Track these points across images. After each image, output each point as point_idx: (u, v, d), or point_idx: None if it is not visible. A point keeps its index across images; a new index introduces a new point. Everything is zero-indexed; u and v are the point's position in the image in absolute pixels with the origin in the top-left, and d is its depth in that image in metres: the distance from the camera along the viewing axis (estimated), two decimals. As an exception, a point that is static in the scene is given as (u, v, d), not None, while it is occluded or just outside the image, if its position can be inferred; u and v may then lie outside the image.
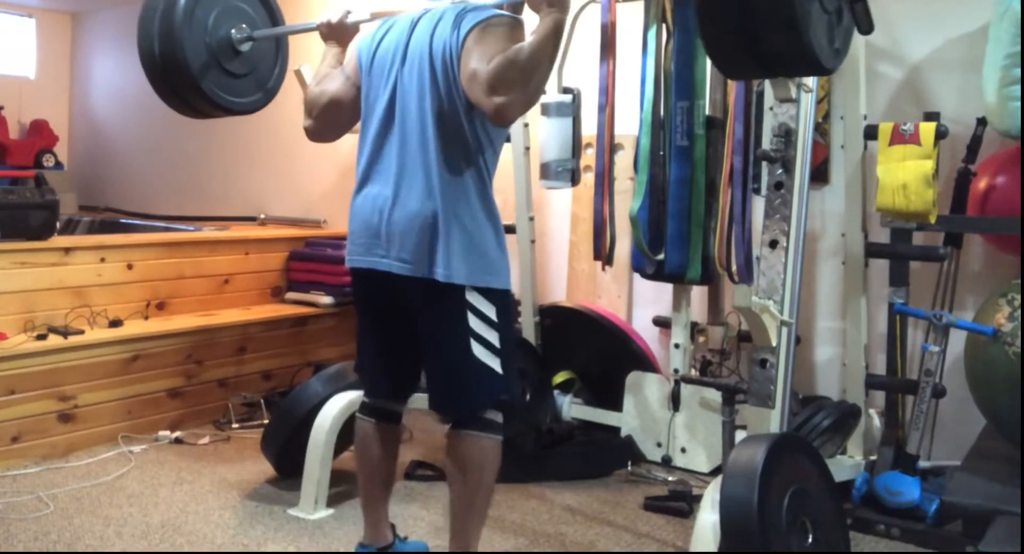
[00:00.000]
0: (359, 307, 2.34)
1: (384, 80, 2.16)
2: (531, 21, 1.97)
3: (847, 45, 1.77)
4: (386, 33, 2.22)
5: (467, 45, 2.00)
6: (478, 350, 2.10)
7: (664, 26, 3.07)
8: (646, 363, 3.49)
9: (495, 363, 2.11)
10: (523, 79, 1.89)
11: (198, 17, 2.48)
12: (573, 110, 3.21)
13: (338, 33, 2.38)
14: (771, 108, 2.44)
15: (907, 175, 2.69)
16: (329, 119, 2.28)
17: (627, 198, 3.20)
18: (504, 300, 2.16)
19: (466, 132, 2.07)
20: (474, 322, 2.09)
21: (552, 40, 1.91)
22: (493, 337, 2.11)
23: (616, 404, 3.45)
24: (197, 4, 2.47)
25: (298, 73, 4.25)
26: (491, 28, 2.02)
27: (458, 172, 2.07)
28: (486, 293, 2.11)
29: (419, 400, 2.45)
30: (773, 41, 1.60)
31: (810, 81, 2.42)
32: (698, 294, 3.55)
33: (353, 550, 2.42)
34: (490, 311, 2.11)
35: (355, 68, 2.26)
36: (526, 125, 3.52)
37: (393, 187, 2.11)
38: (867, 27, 1.87)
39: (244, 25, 2.60)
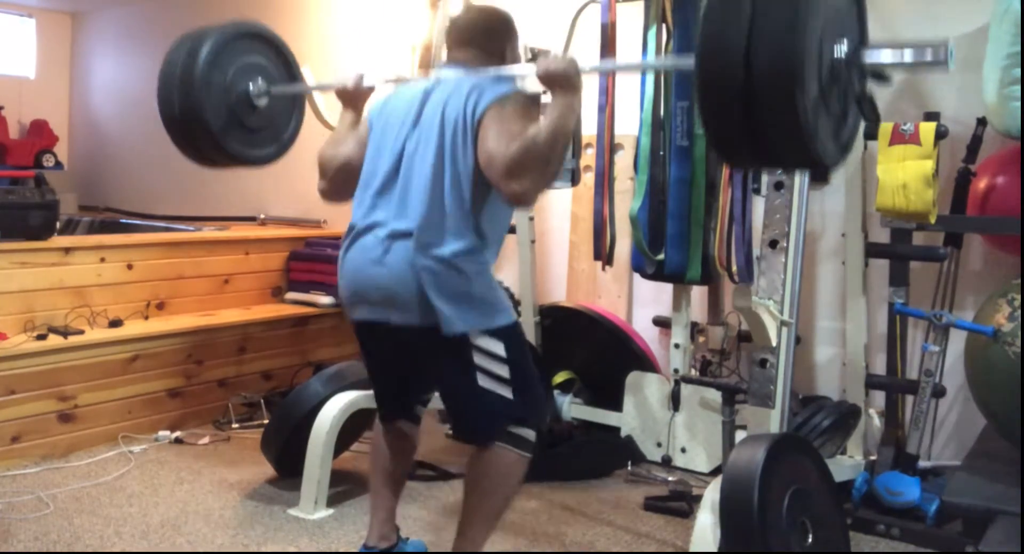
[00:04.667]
0: (362, 349, 2.35)
1: (391, 139, 2.16)
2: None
3: (852, 140, 1.78)
4: (398, 96, 2.24)
5: (485, 122, 2.00)
6: (484, 381, 2.10)
7: (664, 26, 3.07)
8: (646, 363, 3.49)
9: (504, 391, 2.11)
10: (540, 165, 1.92)
11: (217, 74, 2.51)
12: (573, 110, 3.21)
13: (353, 97, 2.40)
14: (771, 108, 2.44)
15: (907, 175, 2.69)
16: (341, 181, 2.29)
17: (627, 198, 3.20)
18: (511, 333, 2.13)
19: (468, 200, 2.05)
20: (480, 359, 2.09)
21: (566, 122, 1.95)
22: (501, 369, 2.10)
23: (616, 404, 3.45)
24: (216, 61, 2.50)
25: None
26: (508, 105, 2.02)
27: (459, 235, 2.04)
28: (491, 333, 2.10)
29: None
30: (777, 144, 1.60)
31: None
32: (698, 294, 3.55)
33: (358, 551, 2.42)
34: (497, 348, 2.10)
35: (366, 131, 2.27)
36: (526, 125, 3.51)
37: (389, 243, 2.08)
38: (874, 119, 1.89)
39: (261, 79, 2.63)
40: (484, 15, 2.30)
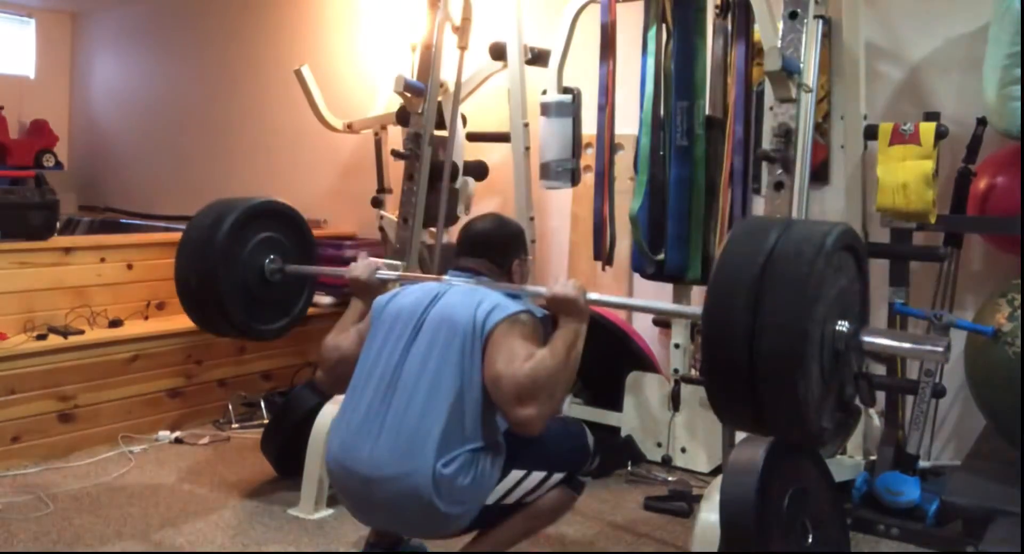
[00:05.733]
0: None
1: (392, 335, 2.11)
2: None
3: (851, 420, 1.82)
4: (406, 294, 2.20)
5: (495, 338, 1.98)
6: (534, 495, 2.09)
7: (664, 26, 3.07)
8: (646, 363, 3.49)
9: (552, 480, 2.11)
10: (547, 393, 1.92)
11: (236, 249, 2.58)
12: (573, 110, 3.21)
13: (364, 288, 2.41)
14: (771, 108, 2.45)
15: (907, 175, 2.69)
16: (339, 374, 2.28)
17: (627, 198, 3.20)
18: (510, 462, 2.06)
19: (473, 415, 1.99)
20: (512, 497, 2.07)
21: (573, 350, 1.97)
22: (533, 480, 2.08)
23: (616, 404, 3.45)
24: (237, 237, 2.55)
25: (298, 73, 4.26)
26: (518, 326, 2.01)
27: (459, 443, 1.97)
28: (503, 475, 2.06)
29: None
30: (778, 424, 1.66)
31: (810, 81, 2.42)
32: (698, 294, 3.54)
33: (361, 551, 2.42)
34: (514, 479, 2.06)
35: (367, 326, 2.25)
36: (526, 125, 3.52)
37: (379, 468, 1.99)
38: (870, 401, 1.97)
39: (277, 257, 2.66)
40: (497, 226, 2.30)
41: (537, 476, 2.09)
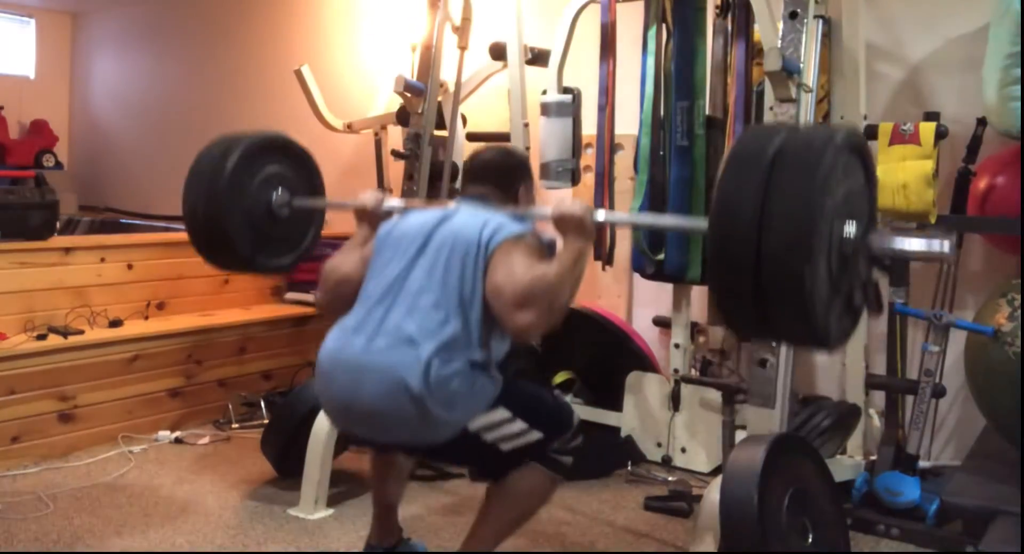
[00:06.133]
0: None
1: (397, 253, 2.14)
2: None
3: (856, 323, 1.79)
4: (410, 220, 2.22)
5: (497, 256, 2.00)
6: (508, 445, 2.08)
7: (664, 26, 3.07)
8: (646, 363, 3.49)
9: (531, 436, 2.09)
10: (547, 302, 1.92)
11: (242, 186, 2.54)
12: (573, 110, 3.21)
13: (370, 216, 2.41)
14: (771, 108, 2.45)
15: (907, 175, 2.69)
16: (338, 294, 2.28)
17: (627, 198, 3.20)
18: (504, 395, 2.08)
19: (472, 329, 2.01)
20: (490, 435, 2.06)
21: (575, 267, 1.97)
22: (515, 425, 2.08)
23: (616, 404, 3.45)
24: (243, 169, 2.53)
25: (298, 73, 4.26)
26: (521, 244, 2.03)
27: (451, 356, 1.98)
28: (491, 406, 2.06)
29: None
30: (785, 324, 1.63)
31: (810, 81, 2.42)
32: (698, 294, 3.55)
33: (360, 551, 2.42)
34: (499, 414, 2.06)
35: (371, 251, 2.26)
36: (526, 125, 3.52)
37: (371, 354, 2.01)
38: (876, 309, 1.93)
39: (284, 190, 2.65)
40: (502, 154, 2.34)
41: (520, 425, 2.08)
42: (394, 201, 2.44)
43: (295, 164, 2.74)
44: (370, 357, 2.01)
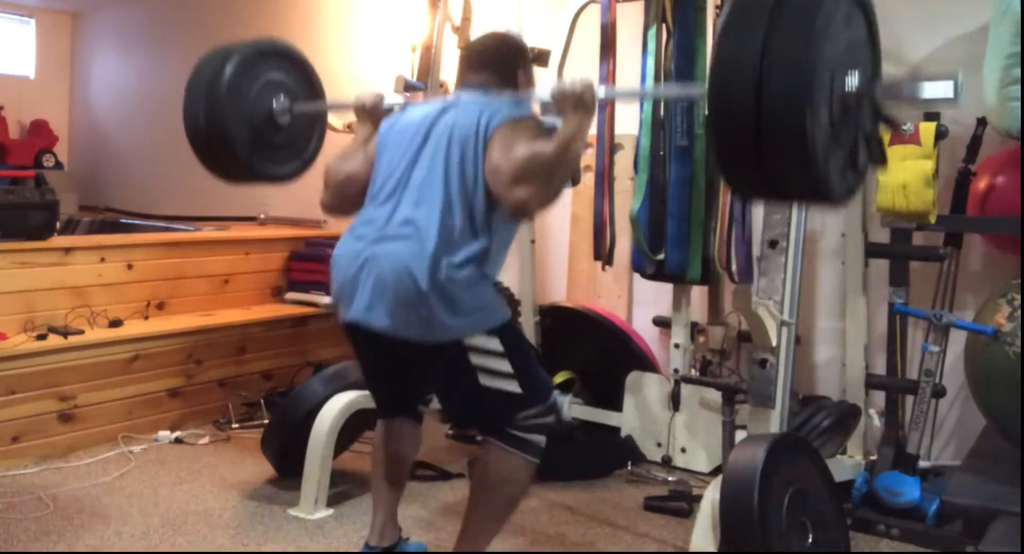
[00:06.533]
0: (353, 347, 2.32)
1: (400, 150, 2.17)
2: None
3: (862, 178, 1.77)
4: (410, 114, 2.25)
5: (494, 138, 2.02)
6: (487, 380, 2.09)
7: (664, 26, 3.07)
8: (646, 363, 3.49)
9: (511, 385, 2.10)
10: (545, 177, 1.93)
11: (242, 89, 2.52)
12: (573, 110, 3.20)
13: (370, 114, 2.42)
14: (771, 108, 2.44)
15: (907, 175, 2.69)
16: (343, 194, 2.30)
17: (627, 198, 3.20)
18: (506, 328, 2.13)
19: (476, 216, 2.04)
20: (477, 359, 2.08)
21: (575, 142, 1.96)
22: (502, 364, 2.09)
23: (616, 404, 3.45)
24: (241, 77, 2.51)
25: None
26: (519, 125, 2.04)
27: (462, 246, 2.02)
28: (486, 332, 2.09)
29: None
30: (786, 177, 1.60)
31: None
32: (698, 294, 3.55)
33: (359, 551, 2.42)
34: (492, 344, 2.09)
35: (375, 147, 2.28)
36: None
37: (382, 242, 2.06)
38: (881, 161, 1.89)
39: (285, 97, 2.64)
40: (497, 41, 2.32)
41: (506, 367, 2.09)
42: (393, 98, 2.44)
43: (294, 70, 2.71)
44: (379, 247, 2.05)
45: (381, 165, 2.20)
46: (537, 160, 1.93)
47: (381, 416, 2.41)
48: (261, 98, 2.59)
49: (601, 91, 2.06)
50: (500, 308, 2.13)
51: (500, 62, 2.26)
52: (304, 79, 2.74)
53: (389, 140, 2.23)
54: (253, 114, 2.57)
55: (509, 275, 4.01)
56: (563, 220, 4.09)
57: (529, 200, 1.94)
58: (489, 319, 2.09)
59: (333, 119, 4.35)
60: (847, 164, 1.67)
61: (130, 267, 3.83)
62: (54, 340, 3.37)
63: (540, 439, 2.16)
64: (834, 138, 1.59)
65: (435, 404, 2.48)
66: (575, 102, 2.00)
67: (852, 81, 1.61)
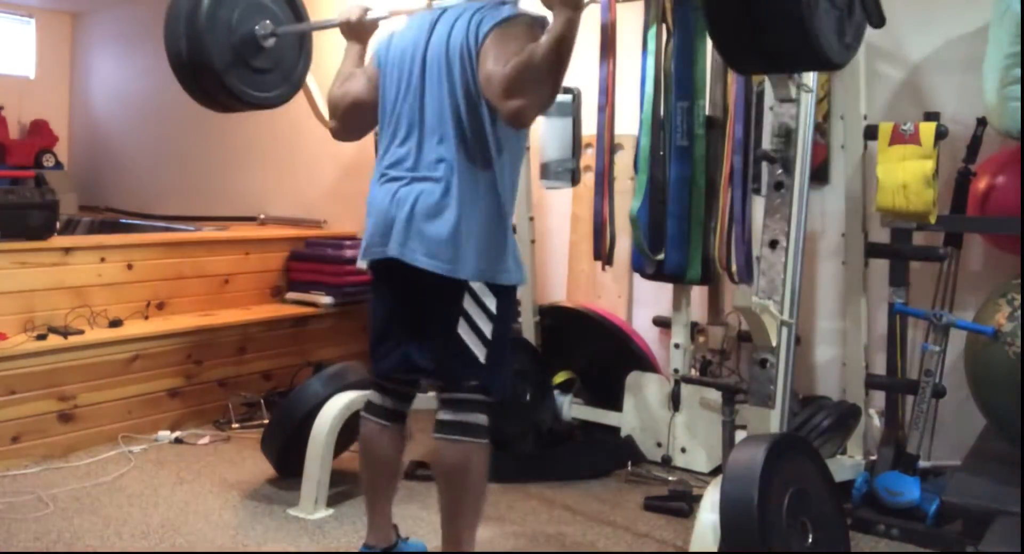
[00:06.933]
0: (374, 288, 2.35)
1: (403, 80, 2.18)
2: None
3: (859, 39, 1.73)
4: (404, 33, 2.24)
5: (485, 46, 2.01)
6: (463, 330, 2.11)
7: (664, 26, 3.07)
8: (646, 363, 3.49)
9: (479, 352, 2.12)
10: (537, 81, 1.91)
11: (222, 16, 2.53)
12: (573, 110, 3.22)
13: (358, 31, 2.40)
14: (771, 108, 2.45)
15: (907, 175, 2.69)
16: (352, 120, 2.31)
17: (627, 198, 3.20)
18: (507, 296, 2.17)
19: (486, 133, 2.07)
20: (468, 305, 2.11)
21: (565, 40, 1.92)
22: (485, 326, 2.12)
23: (616, 404, 3.45)
24: (220, 3, 2.51)
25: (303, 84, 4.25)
26: (509, 28, 2.02)
27: (475, 171, 2.08)
28: (491, 286, 2.13)
29: (420, 401, 2.46)
30: (778, 36, 1.57)
31: (810, 81, 2.42)
32: (698, 294, 3.55)
33: (358, 551, 2.42)
34: (489, 301, 2.12)
35: (375, 68, 2.28)
36: (526, 125, 3.51)
37: (411, 183, 2.12)
38: (878, 20, 1.83)
39: (267, 21, 2.63)
40: None
41: (488, 331, 2.12)
42: (378, 11, 2.42)
43: None
44: (413, 188, 2.11)
45: (387, 95, 2.21)
46: (528, 66, 1.89)
47: (368, 409, 2.39)
48: (243, 21, 2.58)
49: None
50: (518, 271, 2.17)
51: None
52: (287, 4, 2.74)
53: (388, 66, 2.22)
54: (235, 36, 2.56)
55: (509, 275, 4.02)
56: (563, 220, 4.09)
57: (525, 108, 1.93)
58: (504, 274, 2.13)
59: (325, 112, 4.35)
60: (843, 22, 1.65)
61: (130, 267, 3.83)
62: (54, 340, 3.37)
63: (482, 418, 2.17)
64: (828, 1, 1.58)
65: (430, 405, 2.48)
66: None
67: None
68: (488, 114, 2.06)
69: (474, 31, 2.04)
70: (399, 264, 2.13)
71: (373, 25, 2.42)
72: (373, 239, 2.20)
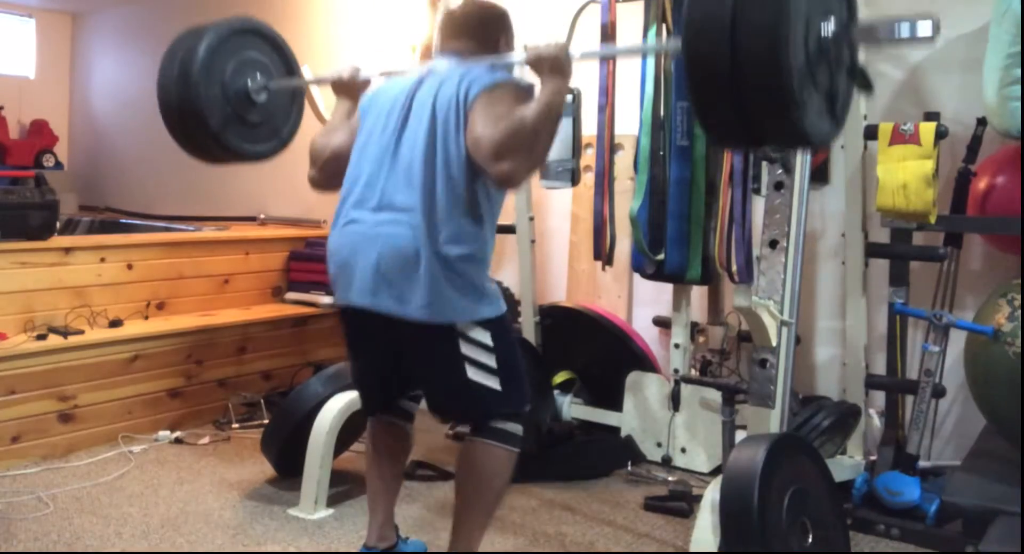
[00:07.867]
0: (345, 334, 2.32)
1: (380, 122, 2.16)
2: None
3: (845, 113, 1.76)
4: (390, 86, 2.24)
5: (474, 109, 2.00)
6: (473, 373, 2.10)
7: (664, 26, 3.07)
8: (646, 363, 3.49)
9: (492, 382, 2.11)
10: (526, 147, 1.92)
11: (216, 69, 2.52)
12: (573, 110, 3.21)
13: (349, 88, 2.41)
14: (771, 108, 2.44)
15: (907, 175, 2.69)
16: (332, 170, 2.28)
17: (627, 198, 3.20)
18: (499, 325, 2.14)
19: (460, 185, 2.03)
20: (467, 349, 2.09)
21: (554, 107, 1.95)
22: (489, 359, 2.10)
23: (616, 404, 3.45)
24: (215, 56, 2.51)
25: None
26: (498, 92, 2.02)
27: (449, 221, 2.03)
28: (479, 323, 2.10)
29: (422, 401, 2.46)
30: (764, 125, 1.60)
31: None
32: (698, 294, 3.55)
33: (358, 551, 2.42)
34: (483, 337, 2.10)
35: (358, 122, 2.27)
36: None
37: (376, 226, 2.08)
38: (869, 91, 1.87)
39: (260, 75, 2.64)
40: (479, 7, 2.31)
41: (492, 362, 2.09)
42: (370, 70, 2.44)
43: (269, 49, 2.71)
44: (377, 230, 2.06)
45: (362, 139, 2.19)
46: (518, 130, 1.91)
47: (368, 414, 2.40)
48: (236, 76, 2.58)
49: (576, 52, 2.01)
50: (498, 300, 2.14)
51: (480, 29, 2.24)
52: (280, 58, 2.75)
53: (370, 112, 2.22)
54: (228, 91, 2.55)
55: (509, 275, 4.02)
56: (563, 220, 4.09)
57: (514, 171, 1.93)
58: (487, 307, 2.09)
59: (326, 112, 4.36)
60: (829, 102, 1.66)
61: (130, 267, 3.83)
62: (54, 340, 3.37)
63: (517, 428, 2.17)
64: (812, 79, 1.59)
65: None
66: (551, 65, 1.97)
67: (828, 27, 1.61)
68: (468, 174, 2.02)
69: (464, 91, 2.03)
70: (371, 313, 2.10)
71: (364, 83, 2.43)
72: (340, 283, 2.15)
